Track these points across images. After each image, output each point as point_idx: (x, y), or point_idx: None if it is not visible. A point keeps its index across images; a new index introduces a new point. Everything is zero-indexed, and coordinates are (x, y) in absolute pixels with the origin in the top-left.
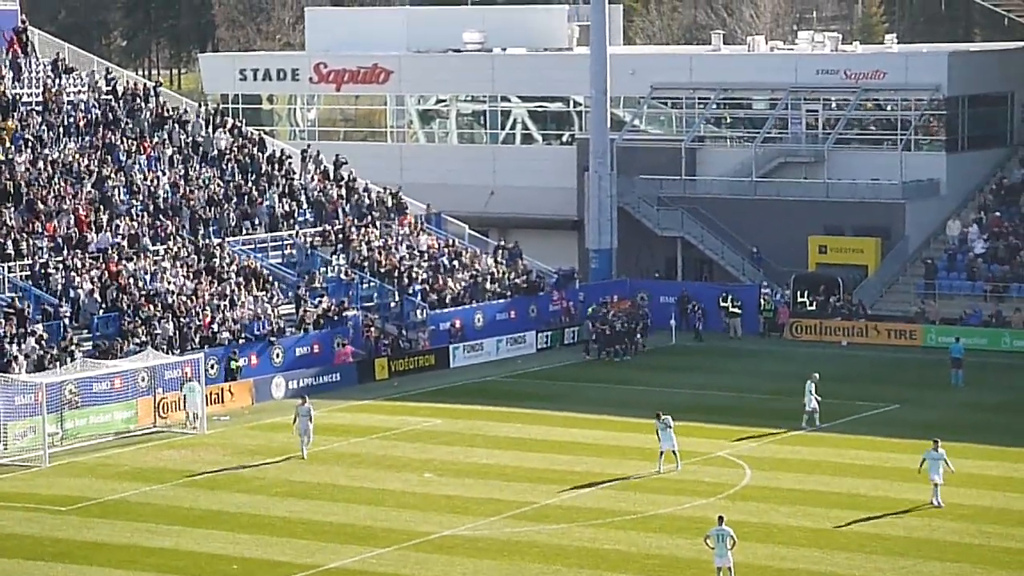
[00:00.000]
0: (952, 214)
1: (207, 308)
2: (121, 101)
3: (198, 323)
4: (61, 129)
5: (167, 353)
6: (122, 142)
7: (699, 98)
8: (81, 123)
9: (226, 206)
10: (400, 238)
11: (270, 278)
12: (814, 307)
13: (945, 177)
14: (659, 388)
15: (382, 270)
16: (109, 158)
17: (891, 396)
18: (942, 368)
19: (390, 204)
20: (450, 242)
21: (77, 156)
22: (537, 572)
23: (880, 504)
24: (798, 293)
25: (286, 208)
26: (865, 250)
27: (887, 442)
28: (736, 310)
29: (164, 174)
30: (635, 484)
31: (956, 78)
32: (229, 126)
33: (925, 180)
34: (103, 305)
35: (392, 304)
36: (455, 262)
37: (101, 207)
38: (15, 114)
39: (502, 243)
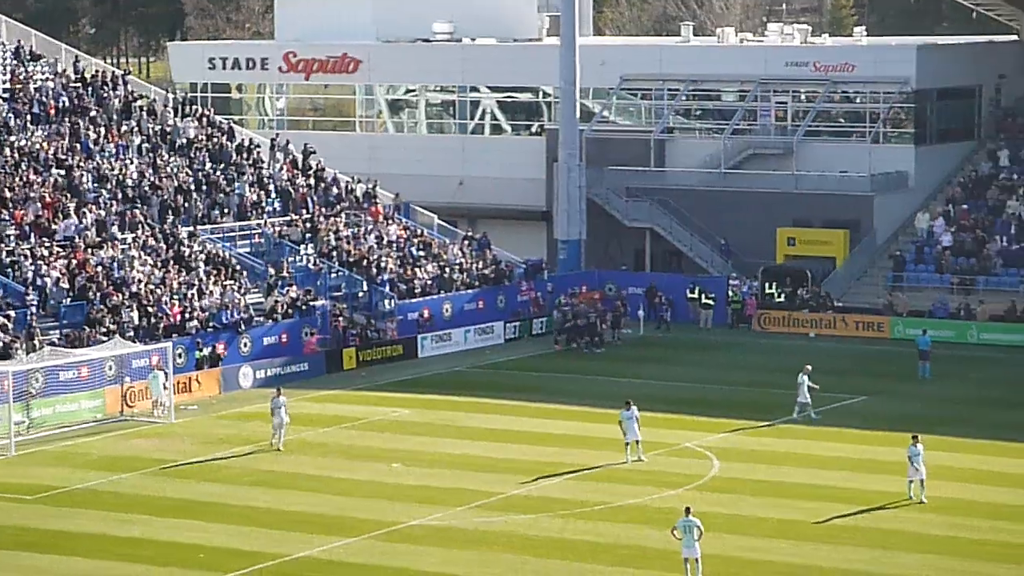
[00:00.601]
0: (920, 207)
1: (175, 297)
2: (89, 89)
3: (166, 312)
4: (28, 117)
5: (135, 342)
6: (90, 130)
7: (668, 89)
8: (49, 111)
9: (195, 195)
10: (368, 228)
11: (238, 267)
12: (782, 299)
13: (913, 170)
14: (627, 379)
15: (350, 260)
16: (77, 146)
17: (858, 388)
18: (910, 360)
19: (359, 194)
20: (419, 232)
21: (44, 144)
22: (506, 562)
23: (848, 496)
24: (766, 285)
25: (255, 197)
26: (833, 242)
27: (855, 433)
28: (709, 302)
29: (132, 162)
30: (604, 475)
31: (924, 71)
32: (198, 115)
33: (893, 173)
34: (70, 294)
35: (360, 294)
36: (423, 252)
37: (68, 195)
38: None
39: (469, 233)
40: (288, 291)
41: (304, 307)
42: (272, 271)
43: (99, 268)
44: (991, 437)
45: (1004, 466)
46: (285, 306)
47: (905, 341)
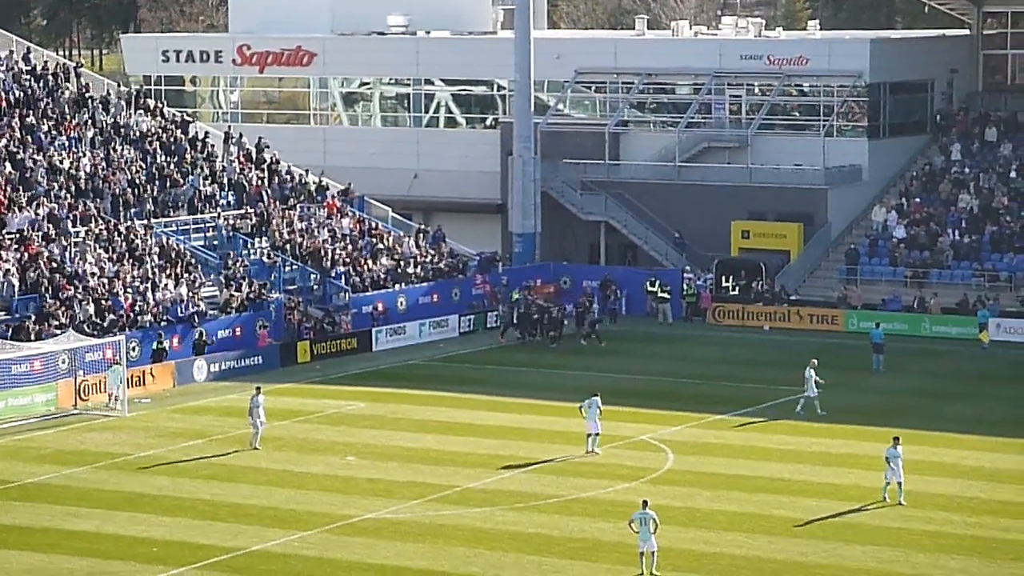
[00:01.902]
0: (874, 200)
1: (128, 290)
2: (41, 81)
3: (120, 305)
4: None
5: (88, 335)
6: (42, 123)
7: (623, 83)
8: (1, 103)
9: (148, 188)
10: (322, 221)
11: (192, 261)
12: (737, 292)
13: (867, 163)
14: (581, 372)
15: (304, 253)
16: (29, 139)
17: None
18: (863, 353)
19: (312, 187)
20: (373, 225)
21: None
22: (460, 555)
23: (802, 488)
24: (721, 278)
25: (208, 191)
26: (788, 235)
27: (809, 426)
28: (665, 295)
29: (85, 155)
30: (558, 468)
31: (878, 65)
32: (151, 108)
33: (847, 166)
34: (23, 287)
35: (314, 287)
36: (378, 245)
37: (21, 188)
38: None
39: (423, 226)
40: (242, 284)
41: (258, 300)
42: (228, 265)
43: (52, 261)
44: (944, 429)
45: (957, 458)
46: (239, 299)
47: (859, 334)
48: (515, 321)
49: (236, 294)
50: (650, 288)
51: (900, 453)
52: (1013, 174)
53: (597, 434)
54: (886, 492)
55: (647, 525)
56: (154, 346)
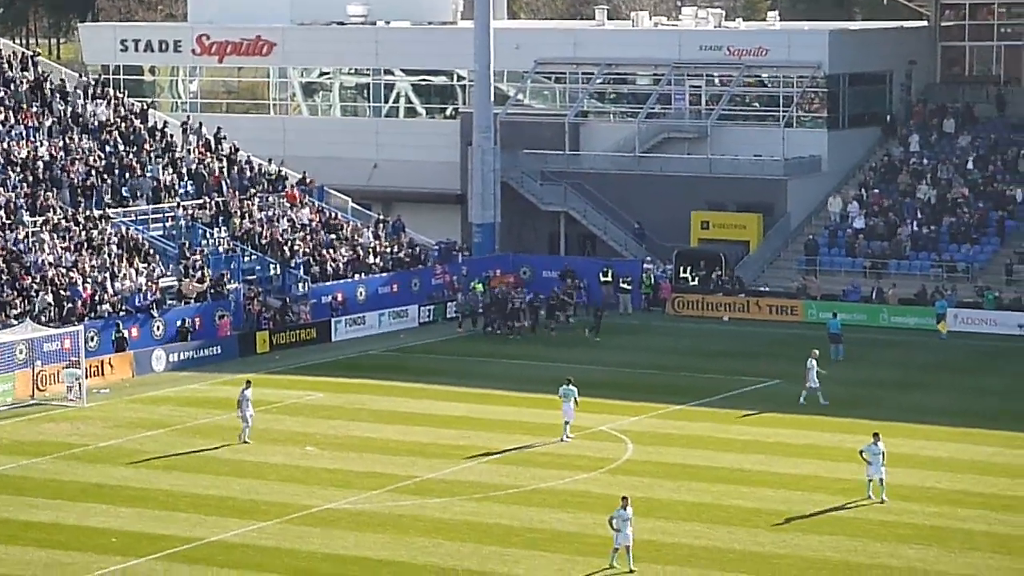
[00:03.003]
0: (833, 191)
1: (87, 280)
2: None
3: (78, 295)
4: None
5: (46, 326)
6: None
7: (583, 73)
8: None
9: (107, 178)
10: (282, 211)
11: (151, 251)
12: (696, 283)
13: (826, 154)
14: (541, 362)
15: (264, 243)
16: None
17: (772, 371)
18: (823, 344)
19: (272, 177)
20: (333, 215)
21: None
22: (419, 545)
23: (761, 479)
24: (680, 268)
25: (168, 180)
26: (747, 226)
27: (768, 417)
28: (626, 286)
29: (43, 145)
30: (518, 458)
31: (837, 56)
32: (110, 97)
33: (807, 157)
34: None
35: (274, 277)
36: (337, 235)
37: None
38: None
39: (382, 216)
40: (201, 275)
41: (217, 291)
42: (187, 255)
43: (9, 251)
44: (902, 419)
45: (915, 448)
46: (198, 289)
47: (818, 324)
48: (481, 312)
49: (198, 285)
50: (603, 278)
51: (881, 449)
52: (970, 165)
53: (566, 422)
54: (871, 490)
55: (627, 522)
56: (113, 336)
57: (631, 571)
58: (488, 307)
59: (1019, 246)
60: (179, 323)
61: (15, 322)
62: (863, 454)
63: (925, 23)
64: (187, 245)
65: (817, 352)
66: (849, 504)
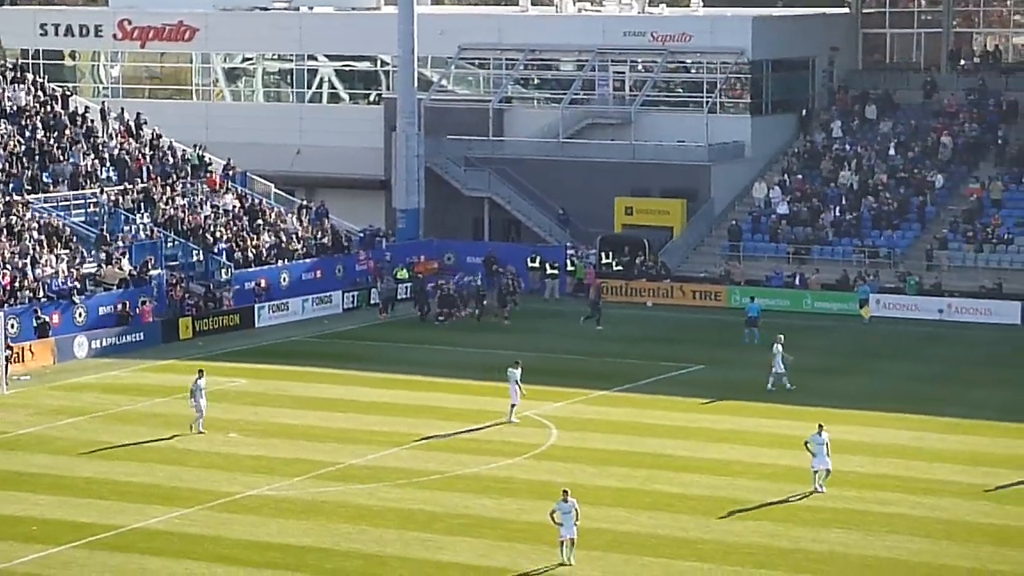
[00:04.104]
0: (756, 176)
1: (7, 267)
2: None
3: None
4: None
5: None
6: None
7: (507, 59)
8: None
9: (27, 164)
10: (204, 197)
11: (72, 237)
12: (620, 268)
13: (750, 140)
14: (464, 348)
15: (187, 229)
16: None
17: (696, 357)
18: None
19: (195, 163)
20: (256, 201)
21: None
22: (343, 532)
23: (684, 464)
24: (604, 254)
25: (89, 166)
26: (671, 212)
27: (692, 402)
28: (554, 272)
29: None
30: (441, 444)
31: (760, 42)
32: (30, 82)
33: (730, 143)
34: None
35: (197, 263)
36: (260, 221)
37: None
38: None
39: (305, 202)
40: (122, 261)
41: (140, 276)
42: (106, 241)
43: None
44: (824, 404)
45: (837, 433)
46: (120, 275)
47: (741, 310)
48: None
49: (119, 272)
50: (531, 264)
51: (825, 439)
52: (892, 151)
53: (512, 405)
54: (817, 481)
55: (569, 515)
56: (35, 322)
57: (565, 563)
58: (389, 294)
59: (939, 232)
60: (114, 308)
61: None
62: (808, 445)
63: (847, 10)
64: (109, 231)
65: (782, 337)
66: (772, 489)
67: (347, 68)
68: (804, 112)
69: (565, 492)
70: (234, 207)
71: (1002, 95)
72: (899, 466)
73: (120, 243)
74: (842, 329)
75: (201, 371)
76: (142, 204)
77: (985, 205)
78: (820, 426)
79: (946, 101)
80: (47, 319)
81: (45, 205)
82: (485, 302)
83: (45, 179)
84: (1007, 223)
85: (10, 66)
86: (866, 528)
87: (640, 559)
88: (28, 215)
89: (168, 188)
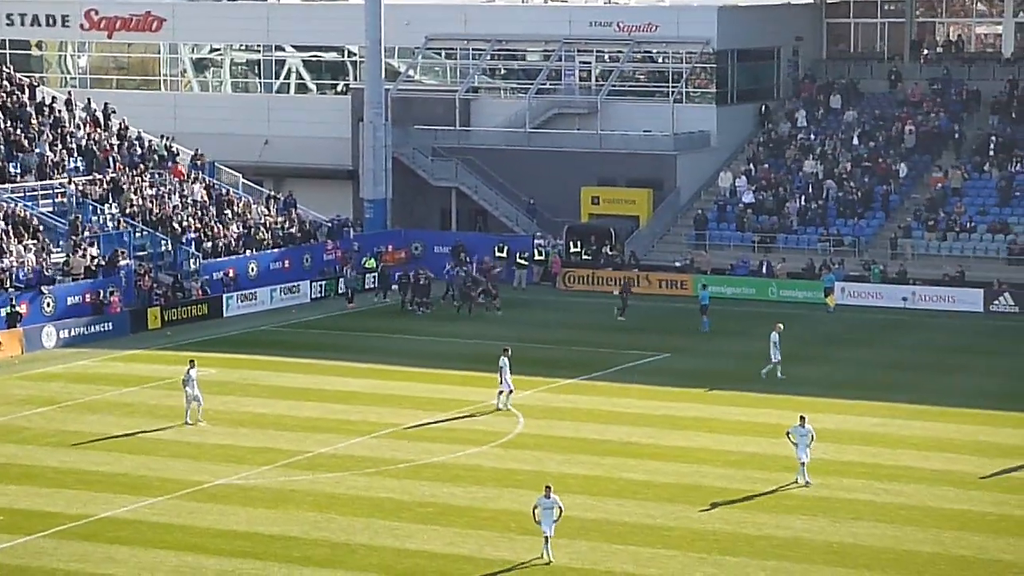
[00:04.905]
0: (722, 166)
1: None
2: None
3: None
4: None
5: None
6: None
7: (474, 49)
8: None
9: None
10: (173, 187)
11: (40, 227)
12: (589, 257)
13: (715, 129)
14: (433, 337)
15: (154, 219)
16: None
17: (662, 345)
18: (712, 317)
19: (163, 153)
20: (224, 191)
21: None
22: (311, 520)
23: (651, 452)
24: (571, 243)
25: (56, 157)
26: (637, 201)
27: (658, 390)
28: (523, 261)
29: None
30: (409, 433)
31: (725, 32)
32: None
33: (696, 132)
34: None
35: (165, 253)
36: (228, 211)
37: None
38: None
39: (273, 192)
40: (90, 251)
41: (108, 267)
42: (74, 231)
43: None
44: (790, 392)
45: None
46: (88, 265)
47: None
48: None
49: (84, 260)
50: (498, 254)
51: (807, 431)
52: (856, 140)
53: (501, 392)
54: (804, 475)
55: (550, 511)
56: (5, 312)
57: (540, 557)
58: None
59: (903, 220)
60: (82, 298)
61: None
62: (790, 436)
63: (811, 0)
64: (77, 221)
65: (781, 326)
66: (738, 475)
67: (315, 59)
68: (763, 109)
69: (547, 488)
70: (202, 197)
71: (964, 84)
72: (863, 453)
73: (88, 234)
74: (807, 317)
75: (192, 361)
76: (110, 194)
77: (948, 194)
78: (802, 418)
79: (910, 90)
80: (19, 309)
81: (12, 196)
82: (474, 293)
83: (12, 169)
84: (969, 211)
85: None
86: (831, 514)
87: (607, 546)
88: None
89: (136, 178)
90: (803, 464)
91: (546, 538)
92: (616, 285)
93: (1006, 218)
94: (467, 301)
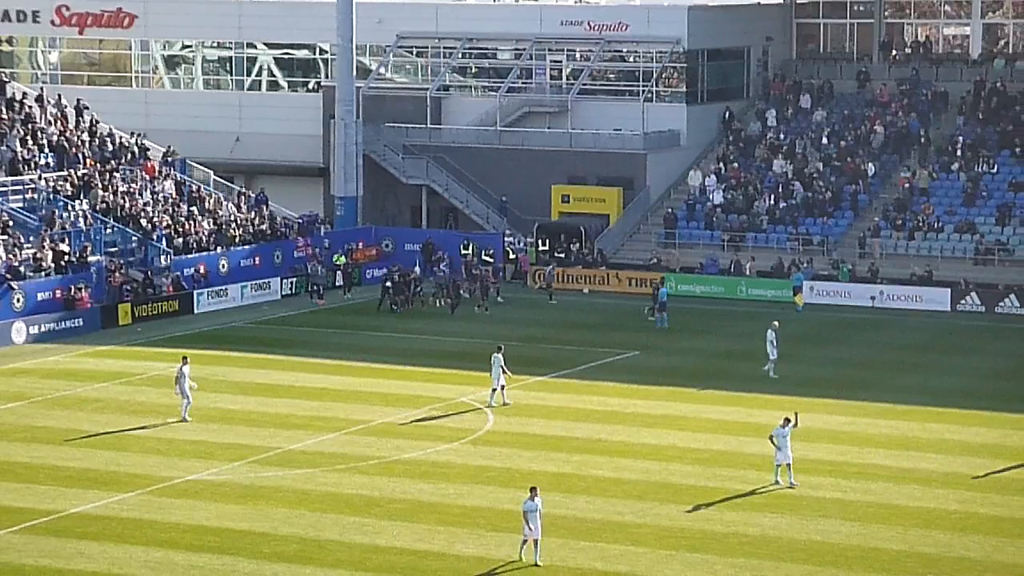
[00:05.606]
0: (692, 165)
1: None
2: None
3: None
4: None
5: None
6: None
7: (445, 48)
8: None
9: None
10: (144, 183)
11: (11, 223)
12: (562, 255)
13: (685, 128)
14: (404, 335)
15: (125, 215)
16: None
17: (631, 343)
18: (680, 315)
19: (134, 149)
20: (194, 188)
21: None
22: (281, 516)
23: (620, 449)
24: (541, 241)
25: (27, 153)
26: (607, 199)
27: (628, 388)
28: (488, 259)
29: None
30: (380, 429)
31: (696, 32)
32: None
33: (666, 131)
34: None
35: (136, 249)
36: (199, 208)
37: None
38: None
39: (244, 189)
40: (60, 246)
41: (79, 262)
42: (44, 227)
43: None
44: (759, 391)
45: (771, 419)
46: (59, 261)
47: (677, 297)
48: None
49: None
50: (463, 251)
51: (788, 433)
52: (825, 140)
53: (493, 389)
54: (778, 475)
55: (535, 514)
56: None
57: (521, 561)
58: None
59: (872, 220)
60: (52, 294)
61: None
62: (772, 439)
63: (781, 0)
64: (48, 217)
65: (777, 324)
66: (706, 473)
67: (286, 56)
68: (727, 114)
69: (533, 490)
70: (173, 194)
71: (932, 85)
72: (831, 451)
73: (58, 229)
74: (776, 316)
75: (185, 358)
76: (81, 190)
77: (915, 194)
78: (786, 420)
79: (878, 91)
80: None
81: None
82: (461, 291)
83: None
84: (937, 211)
85: None
86: (799, 512)
87: (575, 543)
88: None
89: (107, 175)
90: (788, 465)
91: (535, 541)
92: (648, 286)
93: (973, 218)
94: (458, 299)
